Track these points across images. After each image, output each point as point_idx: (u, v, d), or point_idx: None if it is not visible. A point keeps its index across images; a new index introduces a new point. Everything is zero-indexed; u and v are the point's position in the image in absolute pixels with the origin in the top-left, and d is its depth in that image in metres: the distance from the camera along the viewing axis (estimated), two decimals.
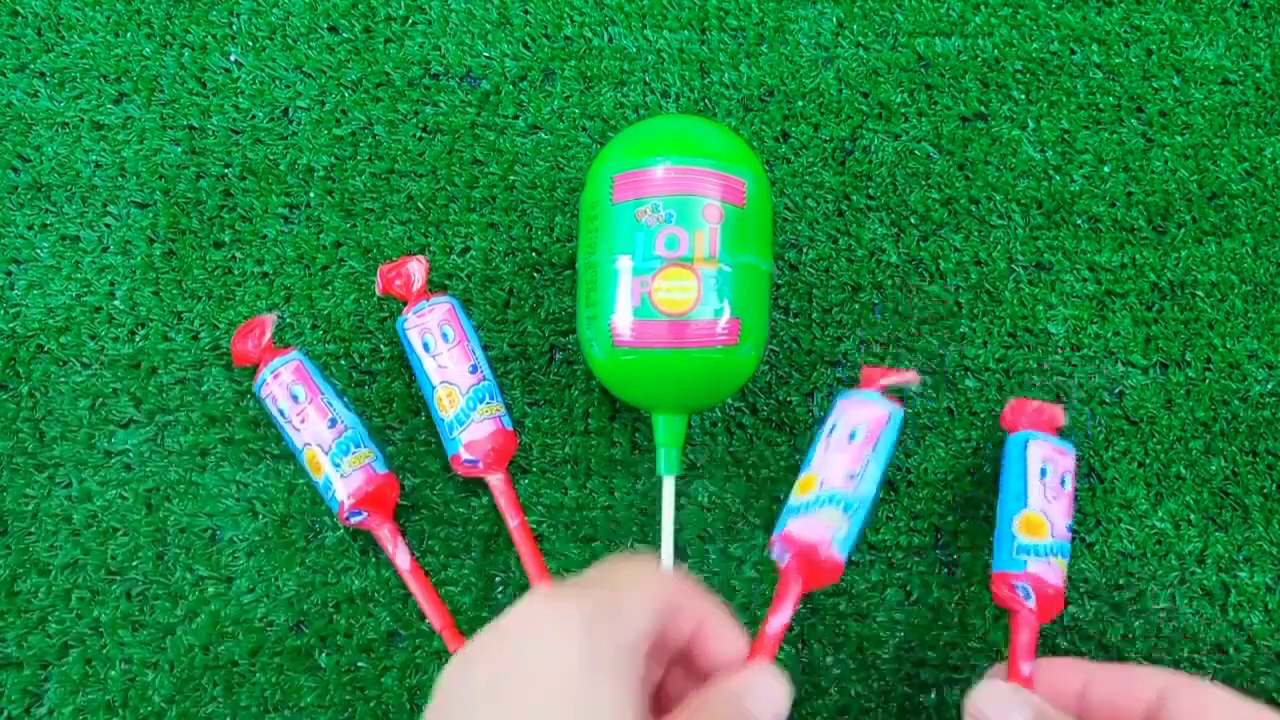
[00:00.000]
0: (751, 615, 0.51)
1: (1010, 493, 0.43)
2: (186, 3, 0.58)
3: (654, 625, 0.31)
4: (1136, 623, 0.51)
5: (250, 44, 0.58)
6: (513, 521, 0.51)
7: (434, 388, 0.50)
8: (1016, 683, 0.38)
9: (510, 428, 0.51)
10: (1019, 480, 0.42)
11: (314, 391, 0.50)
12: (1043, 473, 0.41)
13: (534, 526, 0.52)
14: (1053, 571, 0.40)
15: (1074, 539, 0.38)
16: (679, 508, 0.52)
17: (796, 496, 0.40)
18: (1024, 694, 0.36)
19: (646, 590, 0.31)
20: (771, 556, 0.39)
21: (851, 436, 0.40)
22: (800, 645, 0.51)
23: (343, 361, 0.54)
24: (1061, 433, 0.48)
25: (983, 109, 0.58)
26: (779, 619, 0.37)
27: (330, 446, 0.49)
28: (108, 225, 0.55)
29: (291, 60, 0.58)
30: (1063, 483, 0.42)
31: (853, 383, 0.51)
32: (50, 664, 0.50)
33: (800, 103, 0.58)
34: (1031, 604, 0.39)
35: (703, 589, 0.34)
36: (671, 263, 0.45)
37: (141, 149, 0.56)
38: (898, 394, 0.42)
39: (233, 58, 0.58)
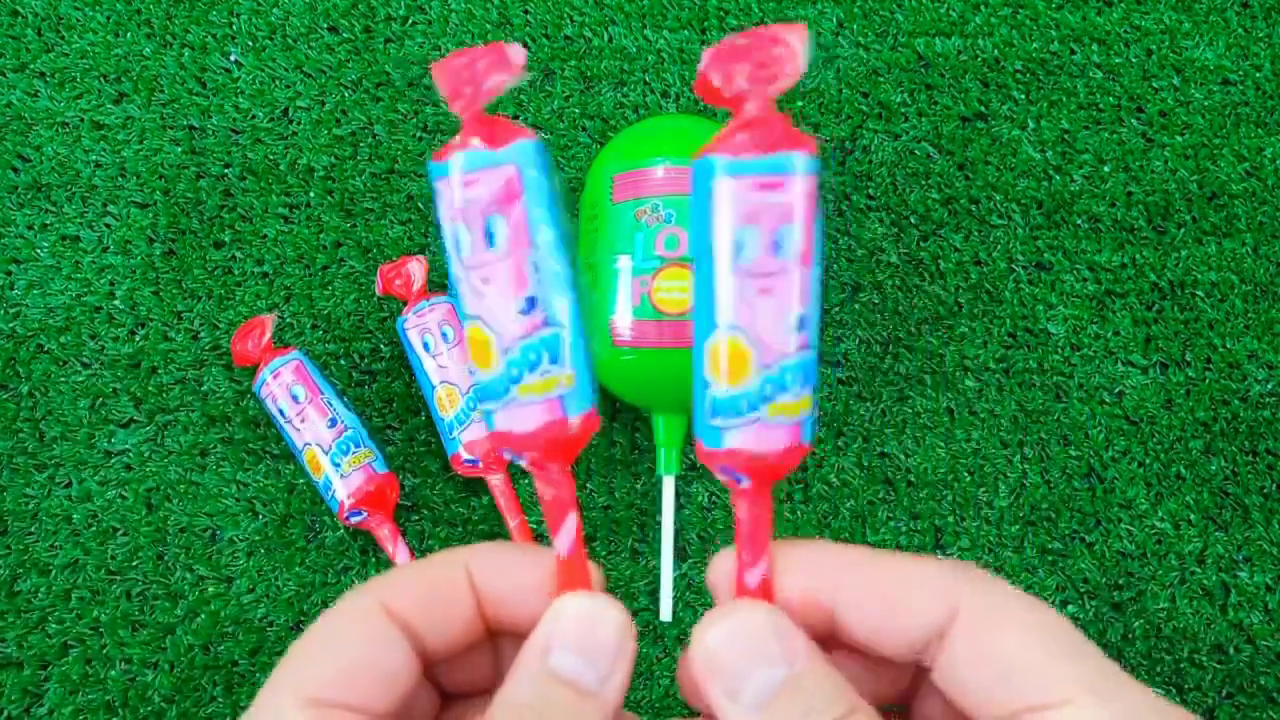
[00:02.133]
0: None
1: (699, 296, 0.22)
2: (186, 3, 0.58)
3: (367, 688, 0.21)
4: (1136, 623, 0.51)
5: (250, 44, 0.58)
6: (513, 521, 0.51)
7: (434, 388, 0.50)
8: (748, 600, 0.23)
9: None
10: (704, 271, 0.21)
11: (314, 391, 0.50)
12: (738, 249, 0.21)
13: (534, 526, 0.52)
14: (770, 431, 0.22)
15: (817, 338, 0.21)
16: (679, 508, 0.52)
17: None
18: (775, 634, 0.22)
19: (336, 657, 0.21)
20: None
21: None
22: None
23: (343, 361, 0.54)
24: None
25: (983, 109, 0.58)
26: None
27: (330, 446, 0.49)
28: (108, 225, 0.55)
29: (291, 60, 0.58)
30: (777, 248, 0.20)
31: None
32: (50, 664, 0.50)
33: (800, 103, 0.58)
34: (746, 484, 0.22)
35: (461, 549, 0.24)
36: (671, 263, 0.45)
37: (141, 149, 0.56)
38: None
39: (233, 58, 0.58)
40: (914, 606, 0.22)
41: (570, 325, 0.22)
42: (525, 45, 0.58)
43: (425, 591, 0.23)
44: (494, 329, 0.22)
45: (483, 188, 0.21)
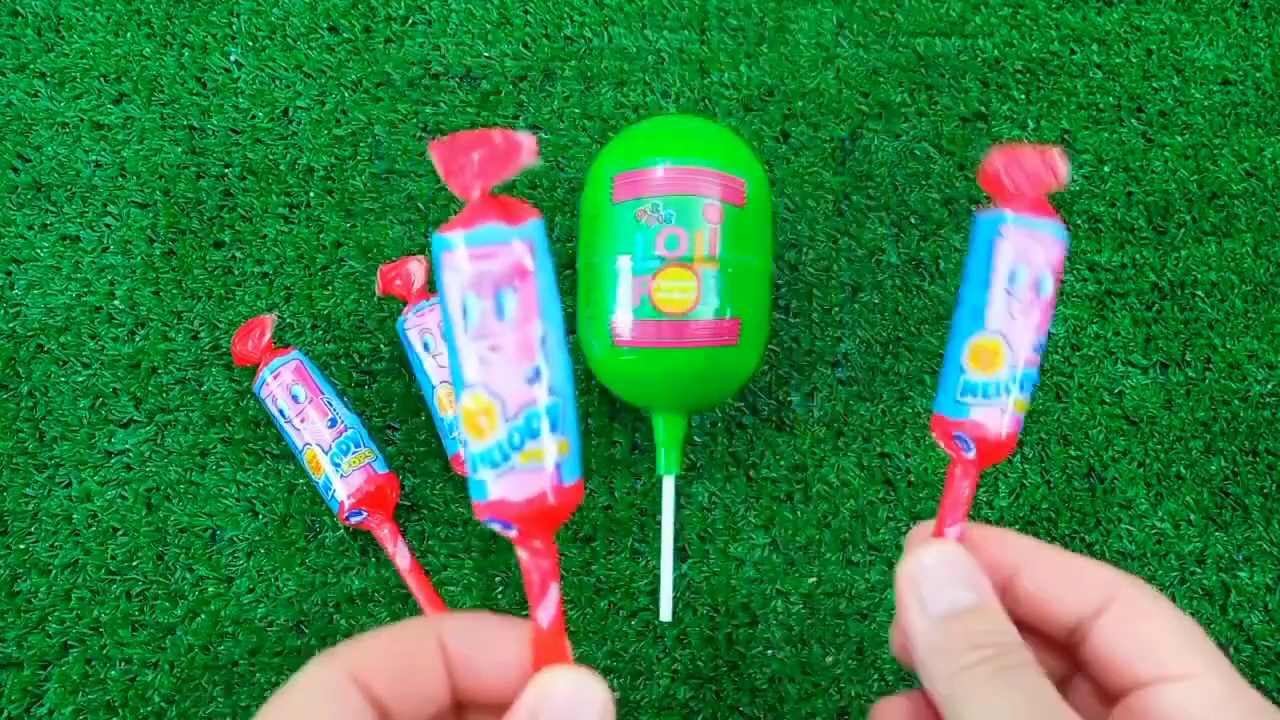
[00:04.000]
0: (750, 615, 0.51)
1: (967, 307, 0.30)
2: (186, 3, 0.58)
3: None
4: None
5: (250, 44, 0.58)
6: None
7: (434, 388, 0.50)
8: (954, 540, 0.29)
9: None
10: (980, 290, 0.30)
11: (314, 391, 0.50)
12: (1012, 278, 0.29)
13: None
14: (1003, 416, 0.29)
15: (1041, 361, 0.28)
16: (679, 508, 0.52)
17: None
18: (971, 569, 0.27)
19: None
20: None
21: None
22: (800, 645, 0.51)
23: (343, 361, 0.54)
24: (1055, 200, 0.36)
25: (983, 109, 0.58)
26: (545, 609, 0.24)
27: (330, 446, 0.49)
28: (108, 225, 0.55)
29: (291, 60, 0.58)
30: (1038, 287, 0.29)
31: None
32: (50, 664, 0.50)
33: (800, 103, 0.58)
34: (971, 455, 0.29)
35: (435, 618, 0.25)
36: (671, 263, 0.45)
37: (141, 149, 0.56)
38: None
39: (233, 58, 0.58)
40: (1081, 587, 0.27)
41: (568, 396, 0.24)
42: (525, 45, 0.58)
43: (396, 663, 0.23)
44: (499, 396, 0.22)
45: (496, 262, 0.22)
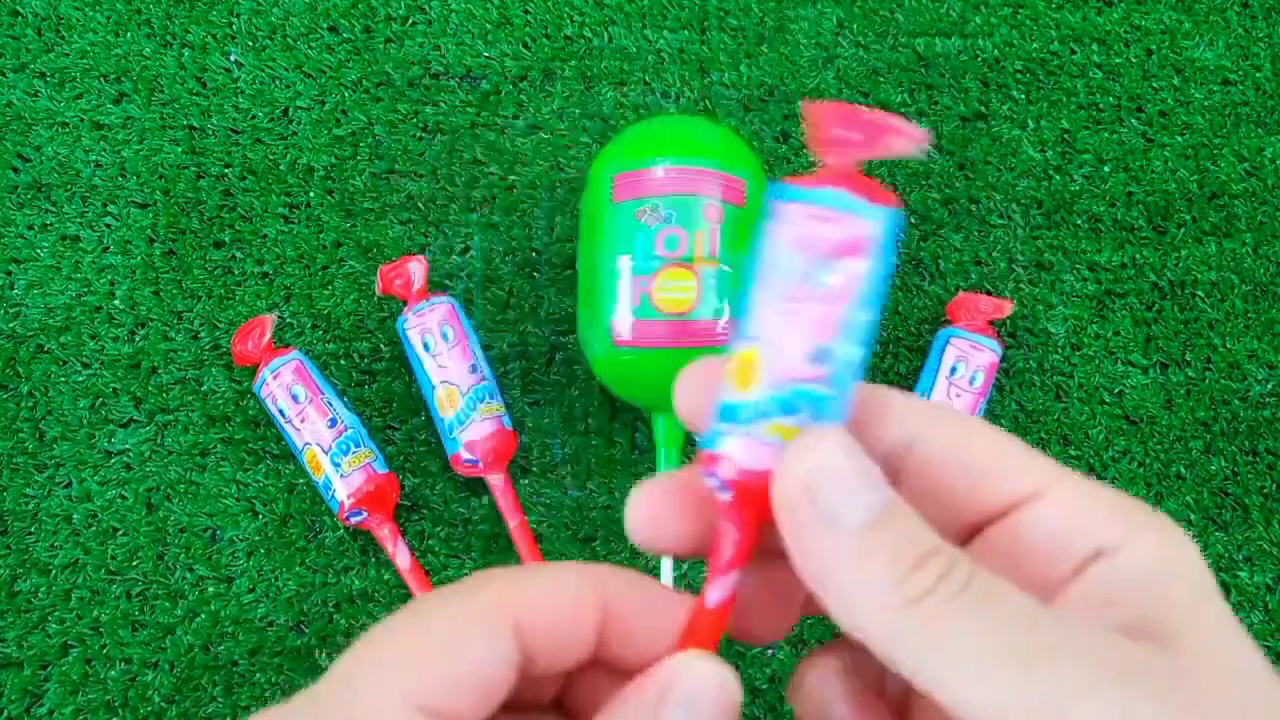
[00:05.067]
0: None
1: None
2: (186, 3, 0.58)
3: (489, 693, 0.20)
4: None
5: (250, 44, 0.58)
6: (513, 521, 0.51)
7: (434, 388, 0.50)
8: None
9: (510, 428, 0.51)
10: (929, 379, 0.30)
11: (314, 391, 0.50)
12: (953, 370, 0.29)
13: (534, 526, 0.52)
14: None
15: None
16: None
17: (732, 388, 0.22)
18: (868, 462, 0.20)
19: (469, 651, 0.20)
20: (704, 480, 0.22)
21: (814, 281, 0.21)
22: (800, 645, 0.51)
23: (343, 361, 0.54)
24: (1001, 329, 0.35)
25: (983, 109, 0.58)
26: (718, 589, 0.22)
27: (330, 446, 0.49)
28: (108, 225, 0.55)
29: (291, 60, 0.58)
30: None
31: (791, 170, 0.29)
32: (50, 664, 0.50)
33: (800, 103, 0.58)
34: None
35: (598, 570, 0.23)
36: (671, 263, 0.45)
37: (141, 149, 0.56)
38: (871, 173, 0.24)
39: (233, 58, 0.58)
40: (1003, 472, 0.21)
41: (842, 397, 0.21)
42: (525, 45, 0.58)
43: (558, 617, 0.21)
44: (773, 360, 0.21)
45: (833, 229, 0.21)
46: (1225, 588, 0.52)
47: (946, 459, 0.21)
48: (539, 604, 0.21)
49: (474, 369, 0.51)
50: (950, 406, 0.21)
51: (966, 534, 0.22)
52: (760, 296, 0.22)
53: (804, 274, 0.21)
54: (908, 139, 0.21)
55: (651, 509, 0.23)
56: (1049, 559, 0.20)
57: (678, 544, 0.23)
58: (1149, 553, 0.20)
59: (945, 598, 0.18)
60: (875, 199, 0.21)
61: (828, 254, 0.21)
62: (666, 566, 0.50)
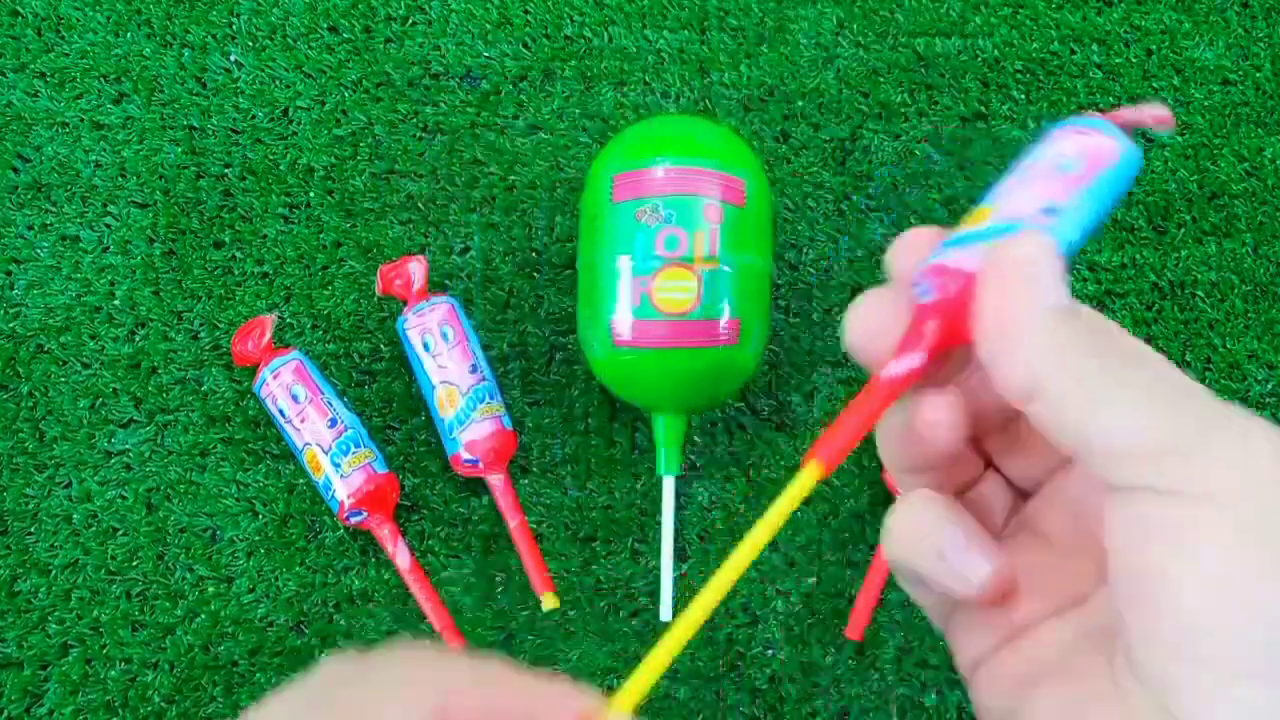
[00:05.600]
0: (750, 615, 0.51)
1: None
2: (186, 3, 0.58)
3: None
4: None
5: (250, 44, 0.58)
6: (513, 521, 0.51)
7: (434, 388, 0.50)
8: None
9: (510, 428, 0.51)
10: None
11: (314, 391, 0.50)
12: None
13: (534, 526, 0.52)
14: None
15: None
16: (679, 508, 0.52)
17: (962, 227, 0.25)
18: (944, 512, 0.23)
19: None
20: (913, 293, 0.24)
21: (1062, 167, 0.25)
22: (800, 645, 0.51)
23: (343, 361, 0.54)
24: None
25: (983, 109, 0.58)
26: (899, 364, 0.23)
27: (330, 446, 0.49)
28: (108, 225, 0.55)
29: (291, 60, 0.58)
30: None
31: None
32: (50, 664, 0.50)
33: (800, 103, 0.58)
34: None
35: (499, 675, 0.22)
36: (671, 263, 0.45)
37: (141, 149, 0.56)
38: (1137, 137, 0.26)
39: (233, 58, 0.58)
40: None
41: (1060, 238, 0.25)
42: (525, 45, 0.58)
43: (494, 716, 0.21)
44: (1006, 207, 0.25)
45: (1092, 139, 0.26)
46: None
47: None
48: (470, 705, 0.21)
49: (474, 369, 0.51)
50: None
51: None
52: (1010, 181, 0.26)
53: (1055, 164, 0.25)
54: (1160, 122, 0.26)
55: (870, 320, 0.24)
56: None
57: (881, 355, 0.24)
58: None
59: (1115, 362, 0.21)
60: (1120, 129, 0.26)
61: (1078, 152, 0.26)
62: (666, 565, 0.50)
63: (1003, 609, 0.24)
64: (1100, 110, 0.28)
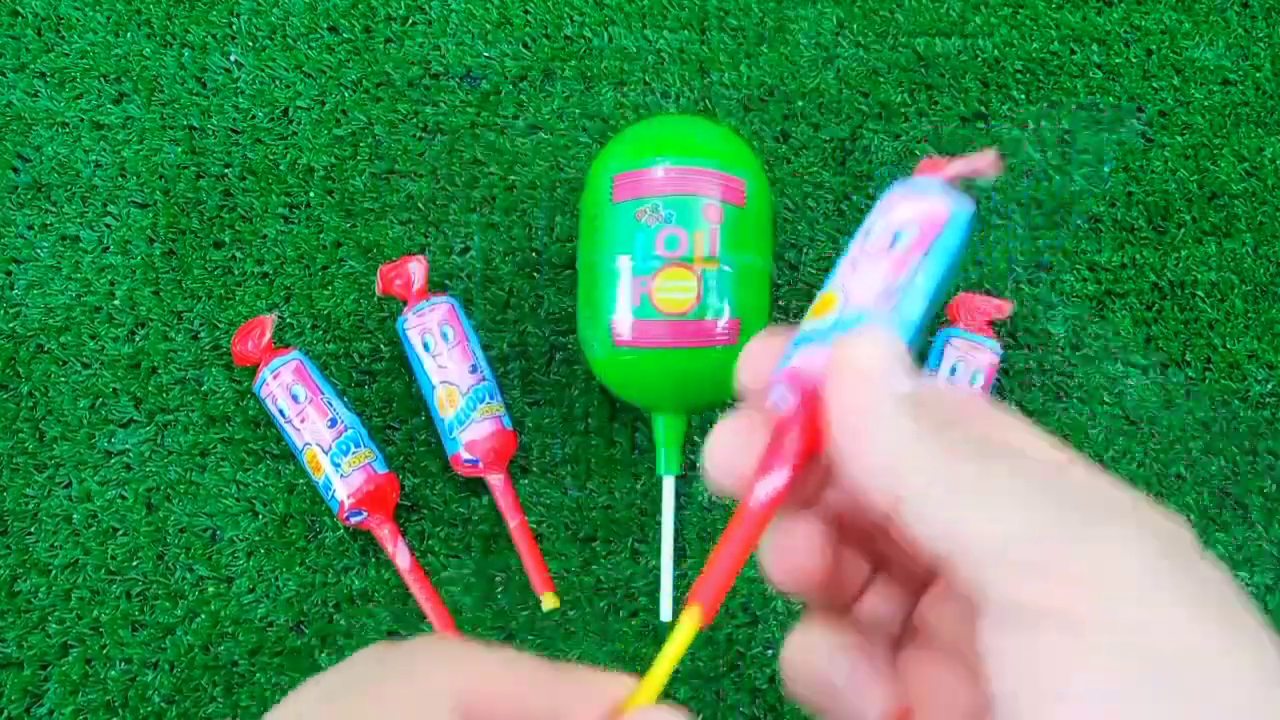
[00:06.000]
0: (750, 615, 0.51)
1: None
2: (186, 3, 0.58)
3: None
4: None
5: (250, 44, 0.58)
6: (513, 521, 0.51)
7: (434, 388, 0.50)
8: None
9: (510, 428, 0.51)
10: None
11: (314, 391, 0.50)
12: (952, 370, 0.27)
13: (534, 526, 0.52)
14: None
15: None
16: (679, 508, 0.52)
17: (808, 322, 0.25)
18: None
19: None
20: (769, 403, 0.24)
21: (895, 240, 0.25)
22: None
23: (343, 361, 0.54)
24: (1000, 330, 0.30)
25: (983, 109, 0.58)
26: (767, 483, 0.23)
27: (330, 446, 0.49)
28: (108, 225, 0.55)
29: (291, 60, 0.58)
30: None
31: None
32: (50, 664, 0.50)
33: (800, 103, 0.58)
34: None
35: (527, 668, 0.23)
36: (671, 263, 0.45)
37: (141, 149, 0.56)
38: (967, 189, 0.27)
39: (233, 58, 0.58)
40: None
41: (903, 325, 0.25)
42: (525, 45, 0.58)
43: (519, 710, 0.22)
44: (849, 296, 0.25)
45: (920, 203, 0.26)
46: None
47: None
48: (494, 702, 0.21)
49: (474, 369, 0.51)
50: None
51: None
52: (848, 259, 0.26)
53: (890, 236, 0.25)
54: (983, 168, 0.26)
55: (727, 446, 0.24)
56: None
57: (746, 482, 0.24)
58: None
59: (970, 454, 0.20)
60: (953, 188, 0.26)
61: (910, 220, 0.26)
62: (666, 565, 0.50)
63: None
64: (934, 159, 0.27)
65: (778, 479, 0.23)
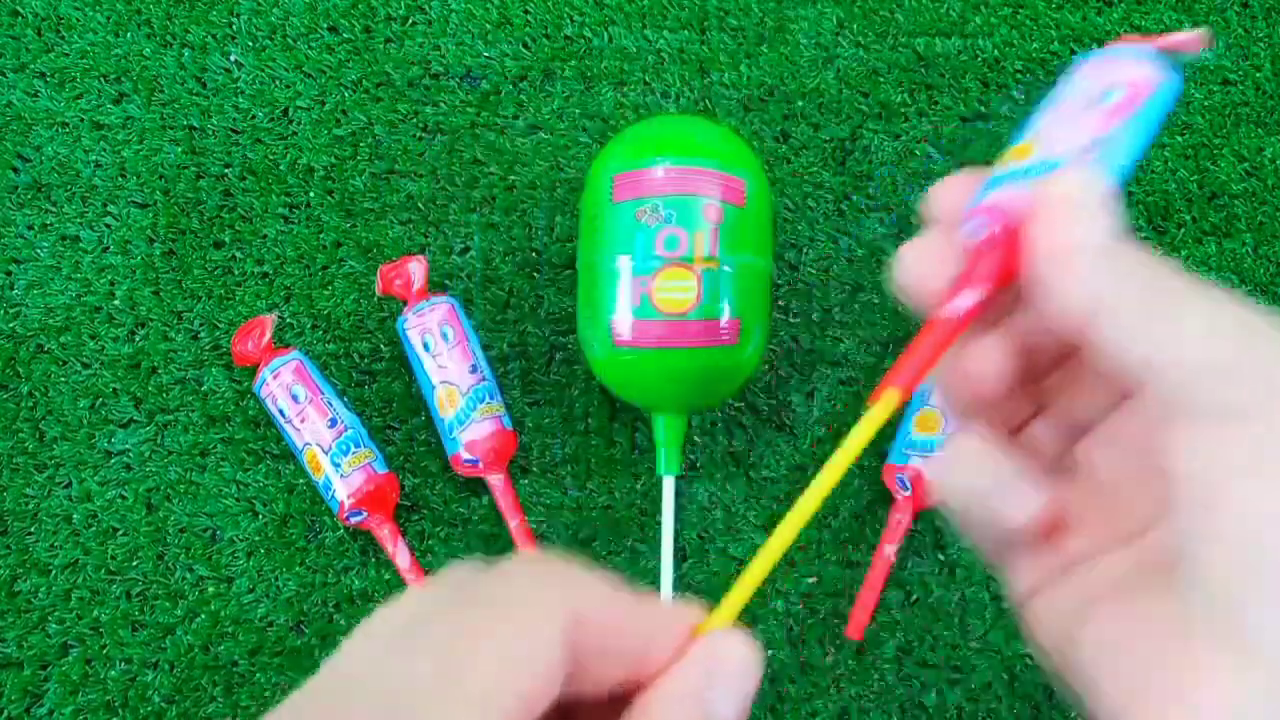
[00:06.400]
0: (750, 615, 0.51)
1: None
2: (186, 3, 0.58)
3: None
4: None
5: (250, 44, 0.58)
6: (513, 522, 0.51)
7: (434, 388, 0.50)
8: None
9: (510, 428, 0.51)
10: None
11: (314, 391, 0.50)
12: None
13: (534, 526, 0.52)
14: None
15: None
16: (679, 508, 0.52)
17: (1000, 166, 0.26)
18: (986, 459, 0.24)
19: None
20: (962, 233, 0.25)
21: (1104, 97, 0.25)
22: (800, 645, 0.51)
23: (343, 361, 0.54)
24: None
25: (983, 109, 0.58)
26: (964, 299, 0.24)
27: (330, 446, 0.49)
28: (108, 225, 0.55)
29: (291, 60, 0.58)
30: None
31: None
32: (50, 664, 0.50)
33: (800, 103, 0.58)
34: (908, 492, 0.27)
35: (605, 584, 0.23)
36: (671, 263, 0.45)
37: (141, 149, 0.56)
38: (1171, 63, 0.27)
39: (233, 58, 0.58)
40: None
41: (1104, 170, 0.25)
42: (525, 45, 0.58)
43: (621, 643, 0.21)
44: (1048, 144, 0.25)
45: (1128, 67, 0.26)
46: None
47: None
48: (606, 629, 0.21)
49: (474, 369, 0.51)
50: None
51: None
52: (1047, 114, 0.26)
53: (1095, 96, 0.26)
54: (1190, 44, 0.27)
55: (922, 260, 0.25)
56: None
57: (940, 291, 0.24)
58: None
59: (1169, 281, 0.22)
60: (1164, 57, 0.27)
61: (1118, 81, 0.26)
62: (666, 565, 0.50)
63: (1055, 543, 0.24)
64: (1134, 36, 0.28)
65: (973, 295, 0.24)
